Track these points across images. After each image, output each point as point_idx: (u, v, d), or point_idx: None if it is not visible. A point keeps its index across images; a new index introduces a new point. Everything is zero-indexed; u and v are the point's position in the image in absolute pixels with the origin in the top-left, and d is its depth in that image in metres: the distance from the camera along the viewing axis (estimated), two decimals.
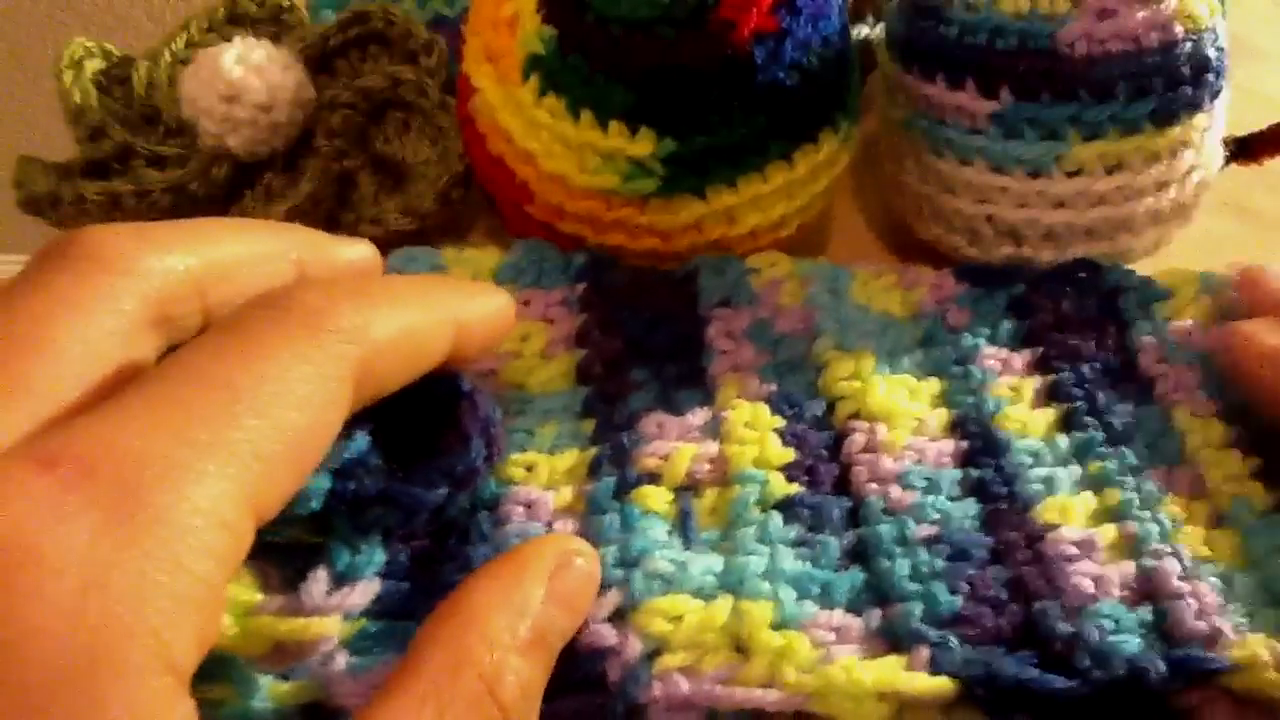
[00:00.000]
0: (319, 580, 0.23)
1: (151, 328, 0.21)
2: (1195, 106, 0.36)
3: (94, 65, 0.45)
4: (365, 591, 0.24)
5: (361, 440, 0.24)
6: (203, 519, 0.18)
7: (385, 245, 0.31)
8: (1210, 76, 0.36)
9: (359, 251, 0.26)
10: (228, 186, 0.43)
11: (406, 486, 0.24)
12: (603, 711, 0.24)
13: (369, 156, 0.44)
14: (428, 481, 0.25)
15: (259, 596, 0.23)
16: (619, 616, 0.25)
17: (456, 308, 0.25)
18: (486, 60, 0.37)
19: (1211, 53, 0.36)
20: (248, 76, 0.41)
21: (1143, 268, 0.36)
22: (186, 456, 0.18)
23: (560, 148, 0.36)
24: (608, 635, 0.25)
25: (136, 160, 0.43)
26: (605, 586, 0.26)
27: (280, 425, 0.19)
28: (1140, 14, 0.35)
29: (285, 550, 0.24)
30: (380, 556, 0.25)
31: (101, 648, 0.16)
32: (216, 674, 0.23)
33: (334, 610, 0.23)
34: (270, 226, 0.25)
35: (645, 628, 0.25)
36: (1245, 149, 0.40)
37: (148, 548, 0.17)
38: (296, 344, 0.20)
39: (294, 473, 0.20)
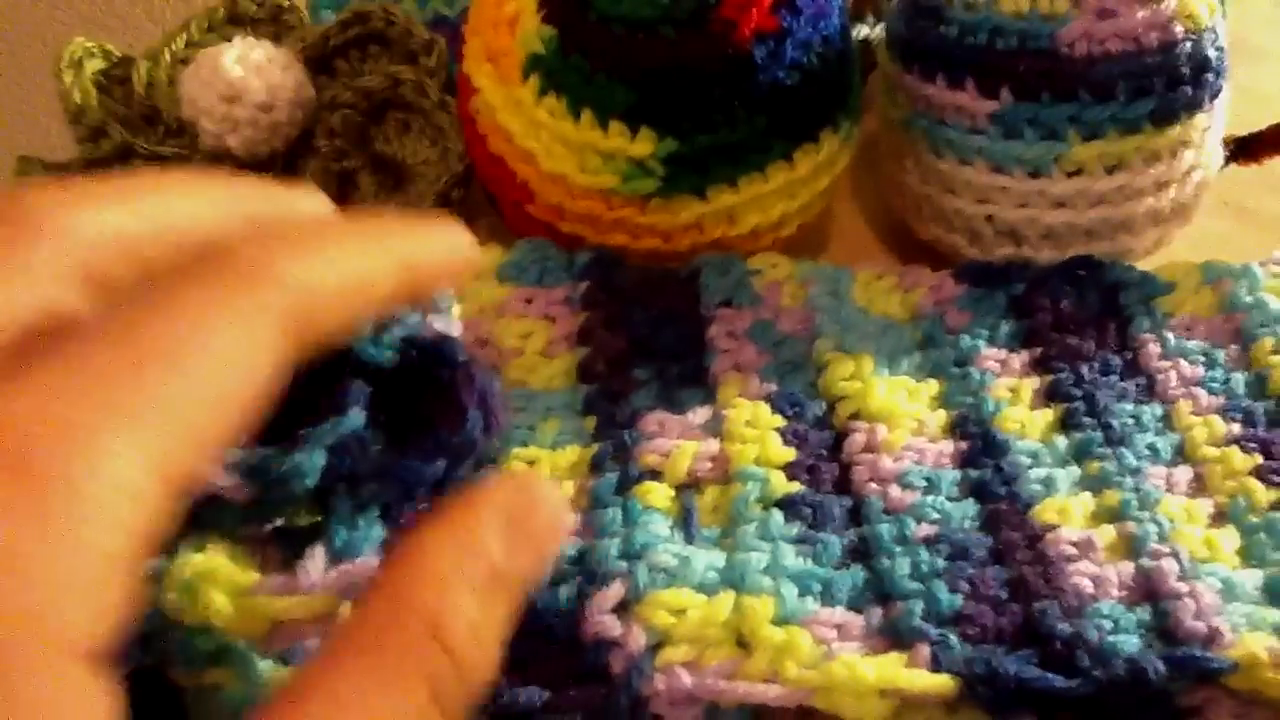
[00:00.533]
0: (316, 558, 0.23)
1: (80, 288, 0.20)
2: (1195, 106, 0.36)
3: (94, 65, 0.45)
4: (364, 568, 0.24)
5: (356, 416, 0.23)
6: (110, 490, 0.17)
7: None
8: (1210, 76, 0.36)
9: (313, 203, 0.25)
10: None
11: (403, 460, 0.24)
12: (606, 703, 0.24)
13: (369, 156, 0.44)
14: (424, 454, 0.24)
15: (255, 577, 0.23)
16: (623, 609, 0.25)
17: (402, 248, 0.23)
18: (487, 60, 0.37)
19: (1211, 53, 0.36)
20: (248, 76, 0.41)
21: (1142, 267, 0.36)
22: (94, 421, 0.17)
23: (561, 147, 0.36)
24: (612, 627, 0.25)
25: (136, 160, 0.43)
26: (609, 578, 0.26)
27: (202, 383, 0.18)
28: (1140, 14, 0.35)
29: (284, 533, 0.24)
30: (379, 532, 0.24)
31: (2, 635, 0.15)
32: (215, 658, 0.23)
33: (332, 588, 0.23)
34: (222, 180, 0.24)
35: (649, 620, 0.25)
36: (1245, 149, 0.40)
37: (49, 527, 0.16)
38: (224, 296, 0.19)
39: (219, 431, 0.19)
